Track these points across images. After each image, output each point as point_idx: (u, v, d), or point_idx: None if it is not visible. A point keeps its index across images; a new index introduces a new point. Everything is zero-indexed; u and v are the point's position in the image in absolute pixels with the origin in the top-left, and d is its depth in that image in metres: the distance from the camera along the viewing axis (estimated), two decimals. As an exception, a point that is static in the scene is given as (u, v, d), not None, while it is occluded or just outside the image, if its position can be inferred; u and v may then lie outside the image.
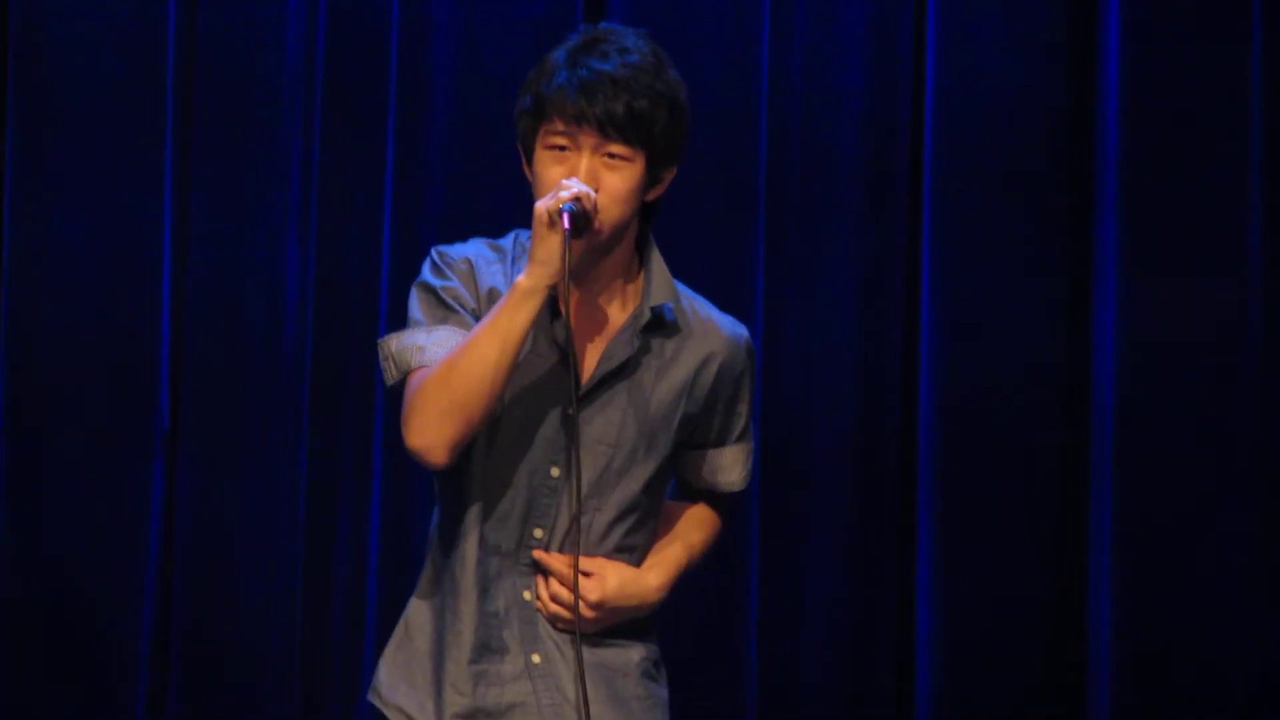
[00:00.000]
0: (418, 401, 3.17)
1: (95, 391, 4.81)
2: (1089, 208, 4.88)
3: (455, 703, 3.24)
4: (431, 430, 3.15)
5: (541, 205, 3.14)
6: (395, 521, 4.83)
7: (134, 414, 4.81)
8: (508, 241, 3.34)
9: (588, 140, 3.19)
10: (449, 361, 3.16)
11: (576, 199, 3.12)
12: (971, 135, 4.88)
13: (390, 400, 4.69)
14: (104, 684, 4.78)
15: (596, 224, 3.17)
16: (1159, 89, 4.84)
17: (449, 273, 3.29)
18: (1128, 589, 4.80)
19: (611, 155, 3.20)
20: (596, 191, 3.17)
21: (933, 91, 4.88)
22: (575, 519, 3.24)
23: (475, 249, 3.32)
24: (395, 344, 3.26)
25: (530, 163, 3.26)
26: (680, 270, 4.68)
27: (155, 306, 4.83)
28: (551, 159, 3.21)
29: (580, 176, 3.18)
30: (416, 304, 3.29)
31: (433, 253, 3.32)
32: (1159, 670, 4.80)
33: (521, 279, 3.15)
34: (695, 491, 3.45)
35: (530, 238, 3.17)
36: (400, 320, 3.33)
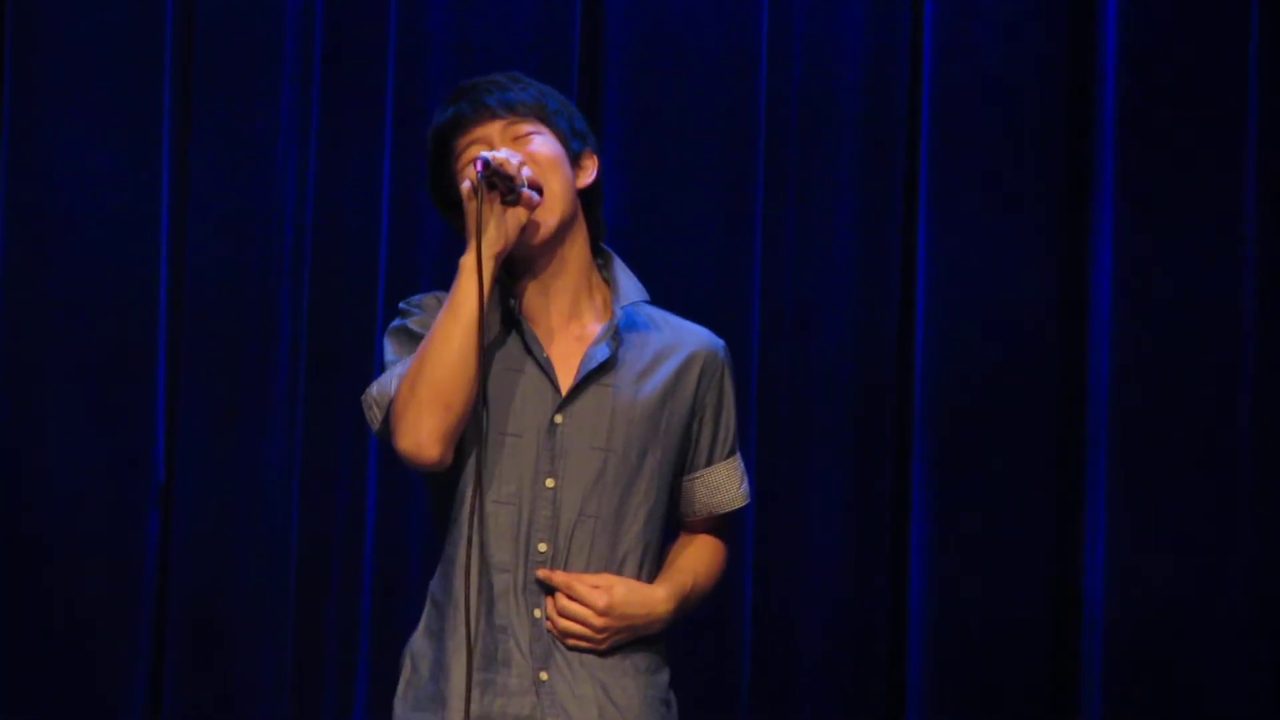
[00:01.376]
0: (397, 405, 3.18)
1: (92, 357, 4.76)
2: (1088, 165, 4.85)
3: (459, 709, 3.20)
4: (415, 426, 3.15)
5: (465, 183, 3.18)
6: (389, 574, 4.78)
7: (131, 378, 4.78)
8: None
9: (493, 129, 3.26)
10: (418, 356, 3.18)
11: (489, 159, 3.16)
12: (970, 88, 4.86)
13: (386, 462, 4.70)
14: (99, 691, 4.74)
15: (528, 182, 3.19)
16: (1157, 49, 4.81)
17: (415, 310, 3.32)
18: (1122, 565, 4.75)
19: (519, 137, 3.26)
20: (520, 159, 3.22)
21: (931, 50, 4.86)
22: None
23: (437, 292, 3.33)
24: (375, 388, 3.27)
25: (455, 203, 3.27)
26: (681, 231, 4.77)
27: (153, 270, 4.79)
28: (472, 167, 3.21)
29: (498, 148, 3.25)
30: (389, 347, 3.31)
31: (400, 305, 3.35)
32: (1154, 646, 4.76)
33: (464, 257, 3.17)
34: (696, 522, 3.41)
35: None
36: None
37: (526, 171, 3.20)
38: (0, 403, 4.75)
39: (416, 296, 3.34)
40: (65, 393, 4.75)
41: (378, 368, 4.37)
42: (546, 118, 3.29)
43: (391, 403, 3.19)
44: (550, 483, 3.23)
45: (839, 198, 4.87)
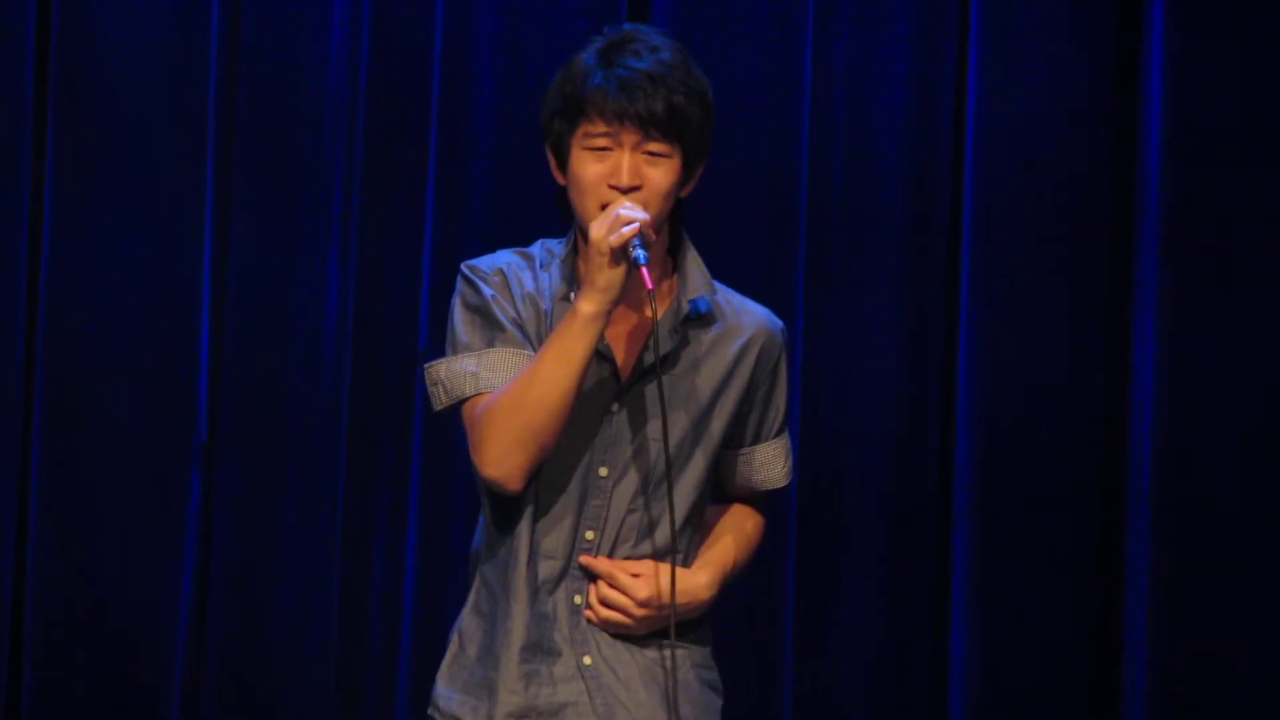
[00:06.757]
0: (490, 432, 3.19)
1: (133, 405, 4.77)
2: (1129, 241, 4.89)
3: (508, 701, 3.25)
4: (508, 460, 3.18)
5: (599, 235, 3.13)
6: (432, 534, 4.81)
7: (172, 427, 4.78)
8: (535, 249, 3.34)
9: (629, 138, 3.20)
10: (518, 390, 3.17)
11: (640, 234, 3.14)
12: (1012, 146, 4.89)
13: (431, 418, 4.68)
14: (139, 695, 4.77)
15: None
16: (1202, 109, 4.82)
17: (485, 287, 3.29)
18: (1164, 609, 4.80)
19: (651, 153, 3.21)
20: (640, 187, 3.19)
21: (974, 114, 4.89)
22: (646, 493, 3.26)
23: (505, 258, 3.33)
24: (445, 369, 3.28)
25: (564, 164, 3.26)
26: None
27: (194, 322, 4.79)
28: (592, 158, 3.22)
29: (624, 174, 3.19)
30: (461, 326, 3.29)
31: (463, 269, 3.33)
32: (1194, 689, 4.80)
33: (584, 305, 3.16)
34: (736, 494, 3.45)
35: (564, 248, 3.27)
36: (439, 336, 3.34)
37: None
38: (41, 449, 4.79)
39: (481, 264, 3.32)
40: (104, 446, 4.76)
41: (424, 332, 4.37)
42: (683, 135, 3.21)
43: (477, 422, 3.20)
44: (603, 471, 3.26)
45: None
